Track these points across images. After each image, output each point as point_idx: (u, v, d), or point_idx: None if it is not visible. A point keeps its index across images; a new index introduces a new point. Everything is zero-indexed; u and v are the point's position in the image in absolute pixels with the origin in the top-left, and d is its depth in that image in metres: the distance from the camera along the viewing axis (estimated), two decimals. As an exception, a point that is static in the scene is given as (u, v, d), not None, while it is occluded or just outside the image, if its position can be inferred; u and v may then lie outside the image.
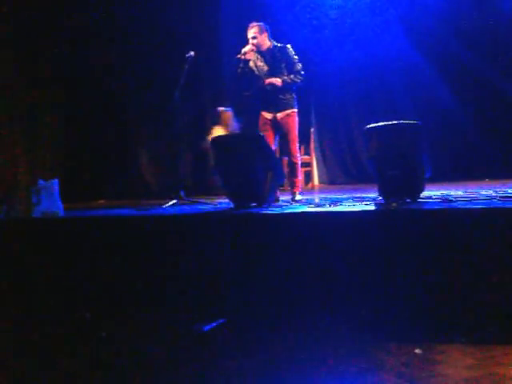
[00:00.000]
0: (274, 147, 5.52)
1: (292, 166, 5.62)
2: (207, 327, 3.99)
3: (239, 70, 5.46)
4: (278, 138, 5.62)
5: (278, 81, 5.37)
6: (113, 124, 8.20)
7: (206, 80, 8.02)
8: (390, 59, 7.31)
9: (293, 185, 5.61)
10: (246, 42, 5.52)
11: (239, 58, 5.45)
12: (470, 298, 3.52)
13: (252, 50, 5.46)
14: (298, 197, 5.53)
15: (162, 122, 7.59)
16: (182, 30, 7.79)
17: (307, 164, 8.11)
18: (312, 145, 7.80)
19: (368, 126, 4.53)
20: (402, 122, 4.55)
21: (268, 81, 5.41)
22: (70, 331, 4.11)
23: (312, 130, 7.71)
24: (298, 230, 4.13)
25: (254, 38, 5.46)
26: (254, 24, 5.53)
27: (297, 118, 5.55)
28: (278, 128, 5.53)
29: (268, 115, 5.53)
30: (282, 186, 5.77)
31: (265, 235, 4.23)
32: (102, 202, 7.46)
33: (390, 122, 4.51)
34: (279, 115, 5.49)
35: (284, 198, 5.68)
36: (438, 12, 6.82)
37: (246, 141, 4.98)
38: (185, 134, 6.62)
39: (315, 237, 4.01)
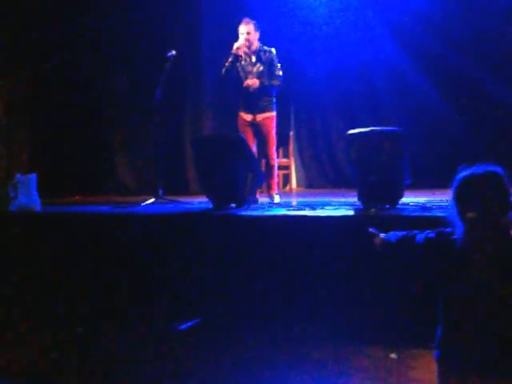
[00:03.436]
0: (254, 149, 5.53)
1: (269, 168, 5.64)
2: (183, 326, 3.99)
3: (228, 65, 5.43)
4: (256, 140, 5.62)
5: (255, 82, 5.38)
6: (91, 120, 8.10)
7: (186, 79, 7.97)
8: (373, 64, 7.35)
9: (269, 187, 5.62)
10: (237, 37, 5.48)
11: (232, 52, 5.42)
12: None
13: (245, 46, 5.44)
14: (276, 198, 5.54)
15: (142, 121, 7.53)
16: (163, 29, 7.74)
17: (286, 167, 8.12)
18: (291, 148, 7.81)
19: (350, 132, 4.56)
20: (383, 128, 4.61)
21: (246, 83, 5.41)
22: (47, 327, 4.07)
23: (291, 133, 7.72)
24: (277, 232, 4.14)
25: (248, 33, 5.43)
26: (250, 20, 5.50)
27: (275, 121, 5.58)
28: (257, 130, 5.55)
29: (247, 117, 5.54)
30: (261, 187, 5.76)
31: (244, 236, 4.24)
32: (77, 197, 7.37)
33: (372, 129, 4.56)
34: (258, 117, 5.51)
35: (260, 199, 5.65)
36: (425, 16, 6.89)
37: (227, 142, 4.99)
38: (164, 131, 6.55)
39: (295, 240, 4.03)
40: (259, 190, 5.67)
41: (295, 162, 7.96)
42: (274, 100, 5.57)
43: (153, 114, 5.89)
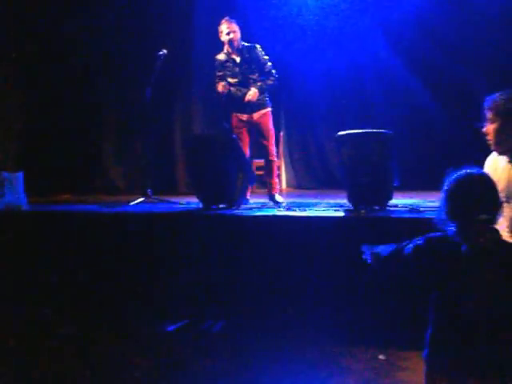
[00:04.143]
0: (247, 149, 5.49)
1: (269, 165, 5.48)
2: (171, 327, 3.98)
3: (220, 89, 5.35)
4: (254, 138, 5.56)
5: (255, 94, 5.27)
6: (80, 119, 8.05)
7: (176, 78, 7.95)
8: (364, 66, 7.37)
9: (270, 186, 5.46)
10: (219, 37, 5.43)
11: (216, 64, 5.41)
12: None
13: (227, 50, 5.39)
14: (278, 198, 5.42)
15: (132, 120, 7.49)
16: (154, 27, 7.71)
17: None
18: (281, 149, 7.82)
19: (340, 133, 4.57)
20: (373, 130, 4.60)
21: (247, 99, 5.28)
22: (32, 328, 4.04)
23: (281, 134, 7.72)
24: (267, 233, 4.14)
25: (230, 32, 5.35)
26: (231, 19, 5.43)
27: (271, 117, 5.50)
28: (254, 128, 5.47)
29: (243, 116, 5.46)
30: (252, 187, 5.71)
31: (234, 237, 4.23)
32: (67, 196, 7.32)
33: (362, 130, 4.56)
34: (255, 115, 5.41)
35: (254, 200, 5.62)
36: (416, 19, 6.91)
37: (218, 142, 4.96)
38: (154, 131, 6.51)
39: (284, 241, 4.03)
40: (262, 191, 5.59)
41: (285, 162, 7.96)
42: (268, 95, 5.49)
43: (142, 114, 5.86)
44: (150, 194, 5.61)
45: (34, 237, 4.81)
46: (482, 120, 2.78)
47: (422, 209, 4.38)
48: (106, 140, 8.27)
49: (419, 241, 1.98)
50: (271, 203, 5.34)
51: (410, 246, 2.00)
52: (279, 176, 7.96)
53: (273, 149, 5.49)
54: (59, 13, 7.74)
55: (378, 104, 7.43)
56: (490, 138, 2.80)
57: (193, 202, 5.21)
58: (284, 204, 5.19)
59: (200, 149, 4.89)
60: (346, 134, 4.55)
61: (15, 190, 5.13)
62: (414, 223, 3.80)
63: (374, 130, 4.62)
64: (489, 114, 2.75)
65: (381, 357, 3.40)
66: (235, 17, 5.63)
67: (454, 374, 1.87)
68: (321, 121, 7.93)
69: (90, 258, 4.57)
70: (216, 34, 5.62)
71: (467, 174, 1.91)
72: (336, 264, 3.83)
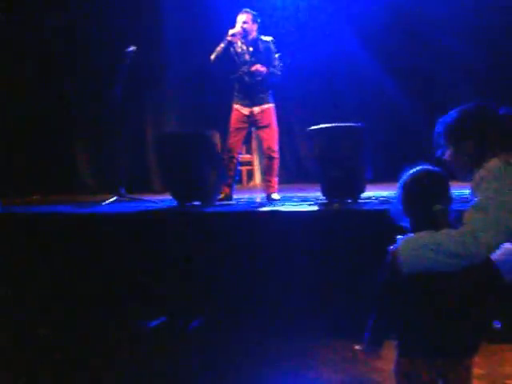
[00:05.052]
0: (239, 148, 5.43)
1: (270, 161, 5.36)
2: (151, 324, 3.99)
3: (219, 50, 5.26)
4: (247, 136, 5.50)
5: (263, 68, 5.24)
6: (50, 118, 7.95)
7: (148, 76, 7.91)
8: (335, 61, 7.45)
9: (269, 184, 5.36)
10: (233, 27, 5.36)
11: (226, 38, 5.28)
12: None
13: (240, 34, 5.32)
14: (275, 196, 5.31)
15: (103, 118, 7.42)
16: (123, 24, 7.66)
17: (249, 163, 8.19)
18: (254, 144, 7.86)
19: (312, 128, 4.62)
20: (344, 124, 4.66)
21: (254, 67, 5.24)
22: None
23: (253, 128, 7.77)
24: (242, 228, 4.16)
25: (245, 23, 5.32)
26: (249, 11, 5.41)
27: (274, 112, 5.42)
28: (255, 123, 5.39)
29: (245, 110, 5.37)
30: (227, 184, 5.66)
31: (208, 233, 4.24)
32: (36, 197, 7.23)
33: (334, 124, 4.62)
34: (256, 109, 5.34)
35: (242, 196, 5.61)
36: (385, 14, 6.99)
37: (191, 139, 4.95)
38: (126, 129, 6.48)
39: (260, 235, 4.06)
40: (238, 186, 5.53)
41: (259, 157, 8.00)
42: (271, 92, 5.43)
43: (113, 112, 5.81)
44: (123, 192, 5.58)
45: (6, 238, 4.76)
46: (437, 147, 2.28)
47: (393, 200, 4.44)
48: (76, 139, 8.19)
49: (382, 269, 2.05)
50: (259, 199, 5.37)
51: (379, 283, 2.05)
52: (252, 171, 8.03)
53: (275, 145, 5.36)
54: (28, 9, 7.64)
55: (350, 98, 7.51)
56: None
57: (167, 199, 5.20)
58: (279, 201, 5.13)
59: (172, 147, 4.89)
60: (319, 128, 4.60)
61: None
62: (386, 215, 3.86)
63: (346, 124, 4.68)
64: (442, 140, 2.26)
65: (356, 347, 3.44)
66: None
67: (420, 355, 1.97)
68: (293, 116, 7.99)
69: (63, 259, 4.54)
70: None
71: (422, 170, 2.04)
72: (311, 257, 3.87)
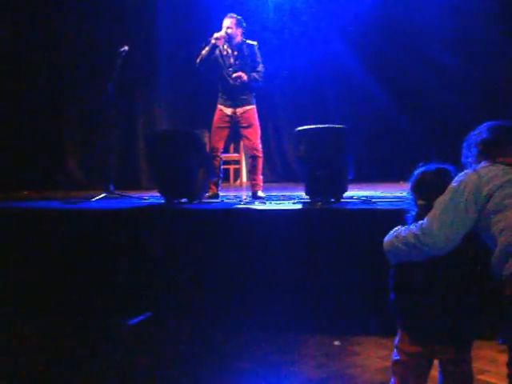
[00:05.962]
0: (221, 146, 5.50)
1: (254, 160, 5.48)
2: (134, 321, 4.04)
3: (204, 53, 5.36)
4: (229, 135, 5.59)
5: (244, 75, 5.35)
6: (39, 114, 7.97)
7: (140, 75, 7.96)
8: (321, 64, 7.56)
9: (254, 183, 5.48)
10: (220, 30, 5.46)
11: (209, 40, 5.38)
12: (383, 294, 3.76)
13: (224, 38, 5.42)
14: (260, 194, 5.43)
15: (93, 115, 7.47)
16: (117, 24, 7.70)
17: (236, 162, 8.29)
18: (242, 143, 7.95)
19: (298, 129, 4.72)
20: (328, 125, 4.79)
21: (236, 74, 5.36)
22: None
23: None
24: (228, 226, 4.24)
25: (228, 28, 5.43)
26: (233, 15, 5.51)
27: (256, 113, 5.53)
28: (238, 123, 5.49)
29: (227, 110, 5.48)
30: (213, 182, 5.75)
31: (195, 231, 4.31)
32: (25, 192, 7.25)
33: (318, 126, 4.73)
34: (239, 110, 5.45)
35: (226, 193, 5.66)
36: (371, 19, 7.11)
37: (179, 137, 5.03)
38: (116, 126, 6.52)
39: (245, 233, 4.13)
40: (225, 184, 5.56)
41: (245, 157, 8.09)
42: (254, 94, 5.54)
43: (104, 109, 5.87)
44: (111, 189, 5.64)
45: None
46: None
47: (374, 200, 4.57)
48: (66, 135, 8.22)
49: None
50: (245, 197, 5.45)
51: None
52: (239, 170, 8.11)
53: (257, 144, 5.47)
54: (20, 8, 7.65)
55: (336, 101, 7.64)
56: None
57: (155, 196, 5.27)
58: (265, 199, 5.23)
59: (161, 144, 4.96)
60: (304, 129, 4.71)
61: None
62: (367, 214, 3.99)
63: (331, 126, 4.81)
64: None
65: (336, 343, 3.55)
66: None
67: (422, 341, 2.10)
68: (280, 117, 8.11)
69: (51, 254, 4.58)
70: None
71: (425, 169, 2.24)
72: (293, 254, 3.96)
